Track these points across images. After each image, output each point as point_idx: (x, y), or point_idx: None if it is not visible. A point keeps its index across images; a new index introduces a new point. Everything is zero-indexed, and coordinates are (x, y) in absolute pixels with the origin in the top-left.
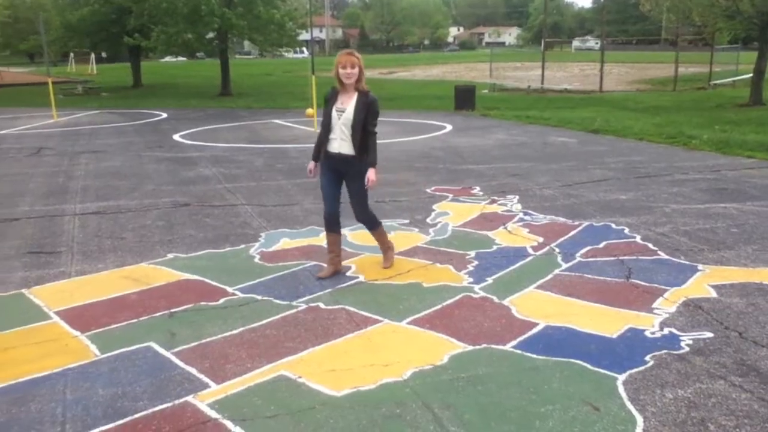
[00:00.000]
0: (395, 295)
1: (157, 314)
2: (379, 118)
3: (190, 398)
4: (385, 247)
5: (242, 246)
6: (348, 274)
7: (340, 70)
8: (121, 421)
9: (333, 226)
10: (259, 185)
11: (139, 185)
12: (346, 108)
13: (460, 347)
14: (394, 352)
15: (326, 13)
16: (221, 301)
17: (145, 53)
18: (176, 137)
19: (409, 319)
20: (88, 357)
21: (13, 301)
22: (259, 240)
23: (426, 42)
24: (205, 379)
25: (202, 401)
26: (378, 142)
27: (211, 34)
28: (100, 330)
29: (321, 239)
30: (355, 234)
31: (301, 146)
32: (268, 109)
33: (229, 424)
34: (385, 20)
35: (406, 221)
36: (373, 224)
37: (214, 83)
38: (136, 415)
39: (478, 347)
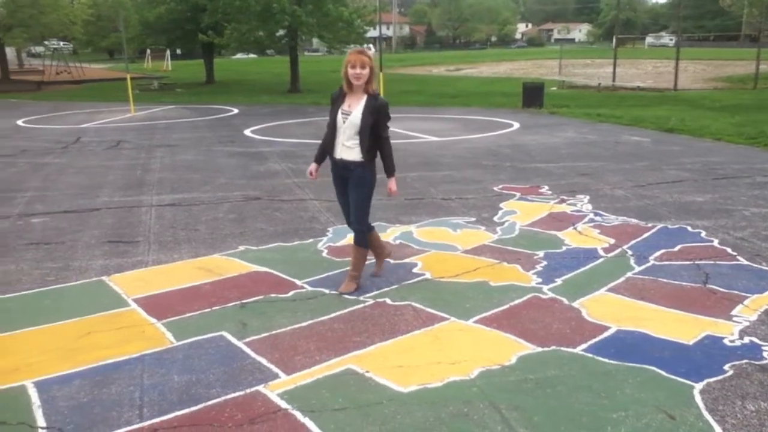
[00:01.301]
0: (462, 293)
1: (229, 304)
2: (388, 121)
3: (260, 387)
4: (354, 274)
5: (310, 240)
6: (414, 270)
7: (350, 70)
8: (195, 407)
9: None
10: (327, 181)
11: (211, 179)
12: (353, 111)
13: (528, 348)
14: (460, 351)
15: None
16: (291, 293)
17: (218, 50)
18: (247, 132)
19: (475, 318)
20: (163, 344)
21: (94, 287)
22: (327, 235)
23: (493, 38)
24: (275, 370)
25: (273, 391)
26: (444, 139)
27: (281, 32)
28: (176, 318)
29: (388, 235)
30: (421, 230)
31: None
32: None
33: (298, 414)
34: (453, 17)
35: (473, 219)
36: (361, 240)
37: (284, 80)
38: (209, 402)
39: (546, 349)
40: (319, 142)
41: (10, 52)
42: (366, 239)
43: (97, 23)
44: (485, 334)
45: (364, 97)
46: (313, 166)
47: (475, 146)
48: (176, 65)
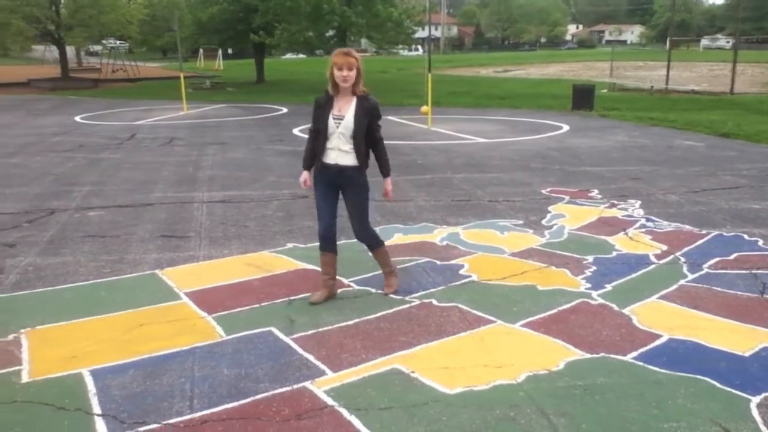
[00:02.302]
0: (509, 296)
1: (278, 301)
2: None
3: (307, 384)
4: (388, 270)
5: (356, 240)
6: (461, 272)
7: (336, 72)
8: (243, 401)
9: (330, 244)
10: (374, 180)
11: (260, 176)
12: (345, 115)
13: (576, 354)
14: (507, 354)
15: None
16: (337, 291)
17: (268, 50)
18: (296, 131)
19: (523, 322)
20: (213, 337)
21: (147, 280)
22: None
23: (542, 40)
24: (322, 367)
25: (319, 388)
26: (491, 140)
27: (330, 32)
28: (225, 312)
29: (434, 236)
30: (468, 232)
31: (414, 143)
32: (382, 106)
33: (344, 412)
34: (502, 17)
35: (520, 222)
36: (375, 243)
37: None
38: (257, 396)
39: (596, 356)
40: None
41: (69, 50)
42: (377, 239)
43: (152, 23)
44: (533, 339)
45: (354, 99)
46: (305, 174)
47: (523, 148)
48: (227, 65)
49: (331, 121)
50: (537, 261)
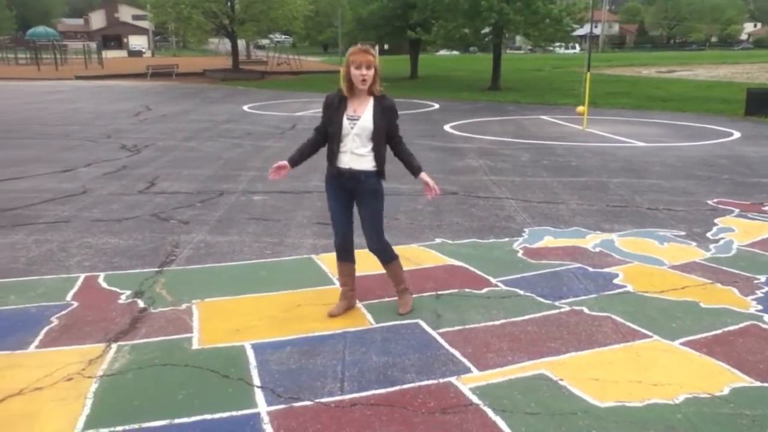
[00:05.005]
0: (668, 311)
1: (425, 294)
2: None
3: (453, 379)
4: (402, 288)
5: (506, 239)
6: (615, 281)
7: (354, 71)
8: (391, 389)
9: (347, 254)
10: (524, 180)
11: None
12: (361, 116)
13: (744, 381)
14: (664, 372)
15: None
16: (484, 290)
17: (423, 46)
18: (447, 128)
19: (682, 340)
20: (364, 324)
21: (304, 263)
22: (523, 235)
23: (713, 39)
24: (468, 364)
25: (465, 384)
26: (652, 144)
27: (486, 29)
28: (375, 301)
29: (586, 241)
30: (624, 240)
31: (568, 144)
32: (535, 105)
33: (489, 412)
34: (669, 15)
35: (682, 233)
36: (389, 255)
37: (484, 77)
38: (404, 386)
39: (767, 384)
40: (520, 140)
41: (240, 44)
42: (391, 250)
43: (315, 18)
44: (693, 359)
45: (370, 99)
46: (283, 163)
47: (687, 155)
48: (382, 60)
49: (345, 122)
50: (700, 276)
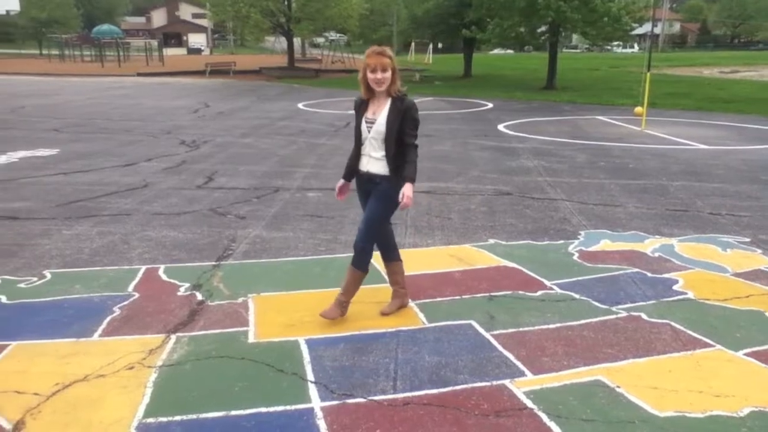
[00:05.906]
0: (731, 320)
1: (478, 295)
2: (416, 126)
3: (506, 382)
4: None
5: (561, 241)
6: (675, 288)
7: (369, 75)
8: (443, 389)
9: (389, 253)
10: (580, 182)
11: (464, 170)
12: (377, 118)
13: None
14: (727, 384)
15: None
16: (539, 293)
17: (477, 45)
18: (500, 127)
19: (747, 350)
20: (416, 323)
21: None
22: (579, 238)
23: None
24: (522, 367)
25: (519, 388)
26: (714, 147)
27: (542, 28)
28: (428, 300)
29: (645, 246)
30: (684, 245)
31: (626, 145)
32: (592, 105)
33: (543, 416)
34: (734, 14)
35: (747, 239)
36: (361, 261)
37: (539, 76)
38: (457, 387)
39: None
40: (575, 141)
41: (296, 42)
42: (366, 261)
43: (370, 17)
44: (759, 371)
45: (388, 101)
46: (341, 182)
47: (752, 158)
48: (436, 59)
49: (363, 126)
50: (766, 285)
